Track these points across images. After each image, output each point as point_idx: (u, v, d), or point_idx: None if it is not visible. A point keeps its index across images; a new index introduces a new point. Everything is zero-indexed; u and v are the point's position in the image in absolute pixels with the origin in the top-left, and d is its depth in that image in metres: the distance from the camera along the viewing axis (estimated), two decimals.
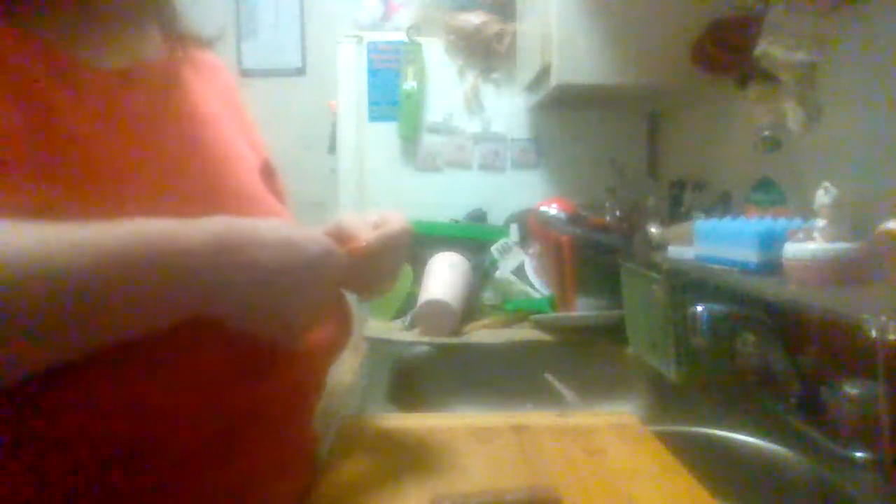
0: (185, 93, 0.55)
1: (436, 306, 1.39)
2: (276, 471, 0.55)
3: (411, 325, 1.44)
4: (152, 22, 0.57)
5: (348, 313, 0.63)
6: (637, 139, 1.85)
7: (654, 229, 1.20)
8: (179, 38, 0.59)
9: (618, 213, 1.49)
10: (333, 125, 1.97)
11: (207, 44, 0.62)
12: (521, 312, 1.48)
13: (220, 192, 0.53)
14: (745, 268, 0.85)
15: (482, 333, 1.42)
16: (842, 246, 0.73)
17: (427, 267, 1.53)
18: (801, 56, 0.90)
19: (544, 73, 1.39)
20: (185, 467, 0.46)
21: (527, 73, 1.60)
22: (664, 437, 0.73)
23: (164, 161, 0.49)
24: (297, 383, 0.56)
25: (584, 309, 1.40)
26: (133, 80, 0.50)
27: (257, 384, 0.49)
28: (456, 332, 1.41)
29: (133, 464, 0.43)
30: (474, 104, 1.87)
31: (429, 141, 1.88)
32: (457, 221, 1.80)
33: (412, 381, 1.28)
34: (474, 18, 1.80)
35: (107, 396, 0.41)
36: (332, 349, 0.61)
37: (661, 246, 1.14)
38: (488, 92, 1.87)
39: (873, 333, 0.59)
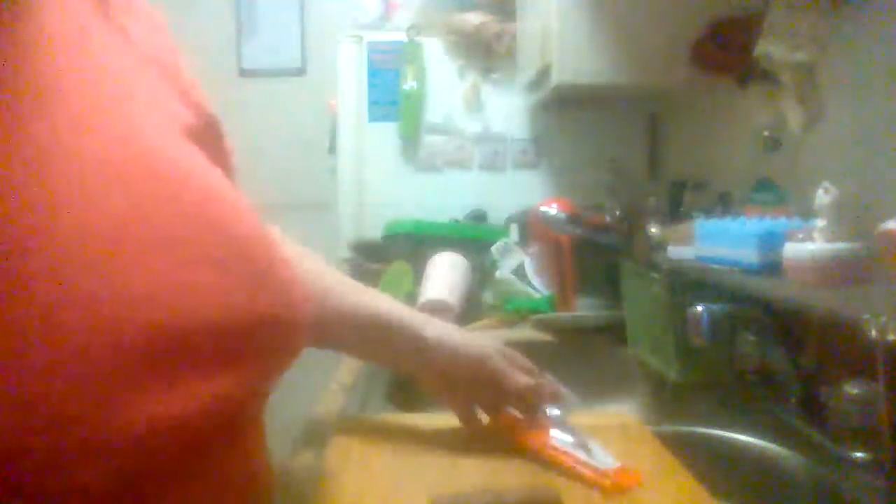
0: (64, 34, 0.37)
1: (436, 306, 1.39)
2: None
3: None
4: None
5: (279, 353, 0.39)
6: (637, 139, 1.85)
7: (654, 229, 1.20)
8: None
9: (618, 213, 1.49)
10: (333, 125, 1.97)
11: None
12: (521, 312, 1.48)
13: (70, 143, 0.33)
14: (745, 268, 0.85)
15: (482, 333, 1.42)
16: (842, 246, 0.73)
17: (427, 267, 1.53)
18: (801, 56, 0.90)
19: (544, 73, 1.40)
20: None
21: (527, 73, 1.60)
22: (664, 437, 0.73)
23: None
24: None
25: (584, 309, 1.40)
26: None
27: None
28: None
29: None
30: (474, 104, 1.87)
31: (429, 141, 1.88)
32: (457, 221, 1.80)
33: (412, 381, 1.28)
34: (474, 18, 1.81)
35: None
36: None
37: (661, 246, 1.14)
38: (488, 92, 1.87)
39: (873, 333, 0.59)
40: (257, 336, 0.36)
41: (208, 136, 0.45)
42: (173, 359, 0.31)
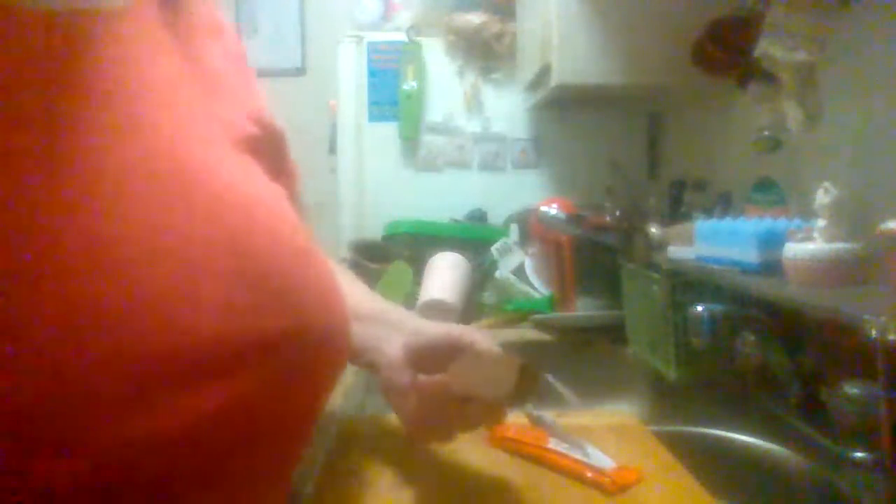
0: (119, 45, 0.38)
1: (436, 306, 1.39)
2: None
3: None
4: None
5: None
6: (637, 139, 1.85)
7: (654, 229, 1.20)
8: None
9: (618, 213, 1.49)
10: (333, 125, 1.97)
11: None
12: (521, 312, 1.48)
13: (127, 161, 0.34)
14: (745, 268, 0.85)
15: None
16: (842, 246, 0.73)
17: (427, 267, 1.53)
18: (801, 56, 0.90)
19: (544, 73, 1.40)
20: None
21: (527, 73, 1.60)
22: (664, 437, 0.73)
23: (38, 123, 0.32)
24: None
25: (584, 309, 1.40)
26: (60, 25, 0.35)
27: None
28: None
29: None
30: (474, 104, 1.87)
31: (429, 141, 1.88)
32: (457, 221, 1.80)
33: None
34: (474, 18, 1.81)
35: None
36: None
37: (661, 246, 1.14)
38: (488, 92, 1.87)
39: (873, 333, 0.59)
40: (268, 349, 0.35)
41: (269, 149, 0.47)
42: (173, 370, 0.31)
